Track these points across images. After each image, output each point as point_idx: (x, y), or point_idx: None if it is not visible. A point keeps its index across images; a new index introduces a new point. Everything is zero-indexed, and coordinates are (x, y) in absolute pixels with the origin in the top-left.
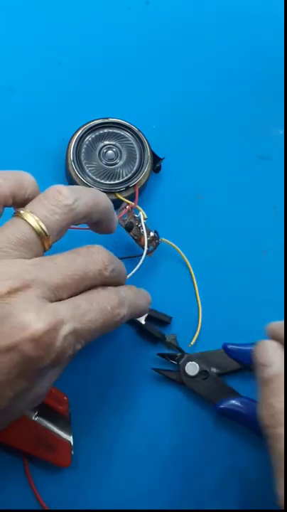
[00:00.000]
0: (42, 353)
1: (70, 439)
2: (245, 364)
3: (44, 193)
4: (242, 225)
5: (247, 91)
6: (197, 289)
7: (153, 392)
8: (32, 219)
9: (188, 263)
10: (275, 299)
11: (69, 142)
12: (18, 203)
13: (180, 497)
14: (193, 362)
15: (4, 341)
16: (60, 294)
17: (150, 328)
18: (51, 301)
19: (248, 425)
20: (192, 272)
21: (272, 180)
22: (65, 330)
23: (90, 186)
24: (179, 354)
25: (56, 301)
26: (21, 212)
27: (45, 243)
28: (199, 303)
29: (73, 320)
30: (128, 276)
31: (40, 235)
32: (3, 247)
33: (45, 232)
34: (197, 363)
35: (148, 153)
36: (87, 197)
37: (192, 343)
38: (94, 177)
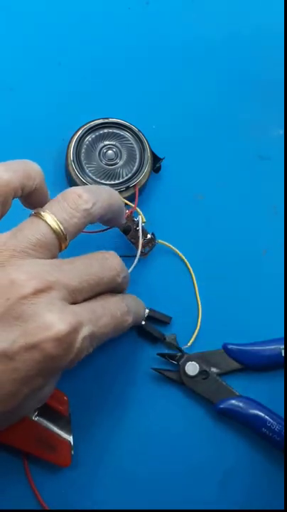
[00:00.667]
0: (63, 353)
1: (70, 438)
2: (245, 364)
3: (63, 195)
4: (242, 225)
5: (247, 91)
6: (197, 289)
7: (153, 392)
8: (52, 221)
9: (187, 263)
10: (275, 299)
11: (70, 142)
12: (27, 193)
13: (180, 497)
14: (193, 362)
15: (28, 339)
16: (76, 297)
17: (150, 328)
18: (69, 303)
19: (248, 425)
20: (192, 272)
21: (272, 180)
22: (84, 332)
23: None
24: (179, 354)
25: (72, 303)
26: (42, 213)
27: (62, 244)
28: (199, 303)
29: (90, 323)
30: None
31: (59, 237)
32: (24, 247)
33: (64, 235)
34: (197, 363)
35: (148, 153)
36: (103, 199)
37: (189, 343)
38: (94, 177)
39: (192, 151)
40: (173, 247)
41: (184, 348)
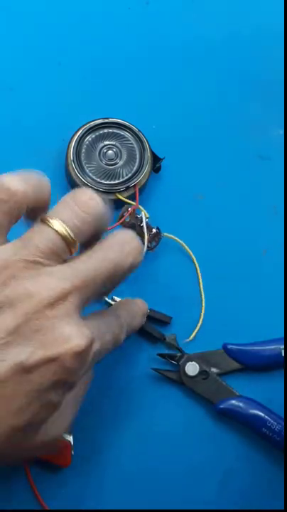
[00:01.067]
0: (79, 367)
1: (70, 438)
2: (245, 364)
3: (73, 196)
4: (242, 225)
5: (247, 91)
6: (201, 284)
7: (153, 392)
8: (61, 228)
9: (193, 258)
10: (275, 299)
11: (70, 142)
12: (40, 209)
13: (180, 497)
14: (193, 362)
15: (48, 352)
16: (92, 298)
17: (150, 328)
18: (83, 309)
19: (248, 425)
20: (198, 267)
21: (272, 180)
22: (95, 347)
23: (90, 186)
24: (179, 354)
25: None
26: (50, 220)
27: (72, 249)
28: (203, 297)
29: (98, 339)
30: None
31: (68, 243)
32: (35, 257)
33: (74, 241)
34: (197, 363)
35: (148, 153)
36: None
37: (191, 337)
38: (94, 177)
39: (192, 151)
40: (179, 240)
41: (184, 342)
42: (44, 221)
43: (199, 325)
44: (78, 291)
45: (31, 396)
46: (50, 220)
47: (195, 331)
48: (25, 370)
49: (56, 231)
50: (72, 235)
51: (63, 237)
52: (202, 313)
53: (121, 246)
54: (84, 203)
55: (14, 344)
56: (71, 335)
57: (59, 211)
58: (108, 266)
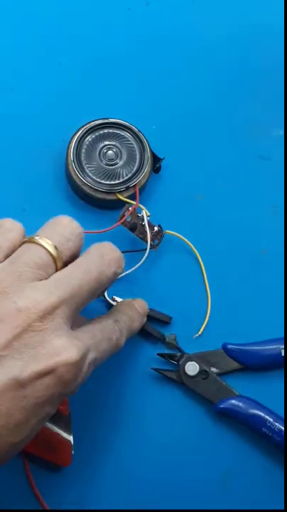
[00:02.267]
0: (73, 378)
1: (71, 438)
2: (245, 364)
3: (56, 220)
4: (242, 225)
5: (247, 91)
6: (207, 282)
7: (153, 392)
8: (47, 244)
9: (198, 255)
10: (275, 299)
11: (70, 142)
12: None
13: (180, 497)
14: (193, 362)
15: (40, 366)
16: (79, 308)
17: (150, 328)
18: (72, 321)
19: (248, 425)
20: (202, 265)
21: (272, 180)
22: (90, 358)
23: (90, 186)
24: (179, 354)
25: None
26: (36, 238)
27: (59, 264)
28: (209, 295)
29: (94, 348)
30: (131, 270)
31: (54, 259)
32: (23, 271)
33: (60, 257)
34: (197, 362)
35: (148, 154)
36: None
37: (200, 332)
38: (94, 177)
39: (192, 151)
40: (183, 237)
41: (194, 337)
42: (30, 240)
43: (206, 320)
44: (65, 304)
45: (28, 412)
46: (36, 238)
47: (203, 327)
48: (19, 384)
49: (42, 246)
50: (57, 251)
51: (49, 252)
52: (209, 309)
53: (100, 257)
54: (66, 225)
55: (7, 359)
56: (62, 347)
57: (43, 231)
58: (91, 277)
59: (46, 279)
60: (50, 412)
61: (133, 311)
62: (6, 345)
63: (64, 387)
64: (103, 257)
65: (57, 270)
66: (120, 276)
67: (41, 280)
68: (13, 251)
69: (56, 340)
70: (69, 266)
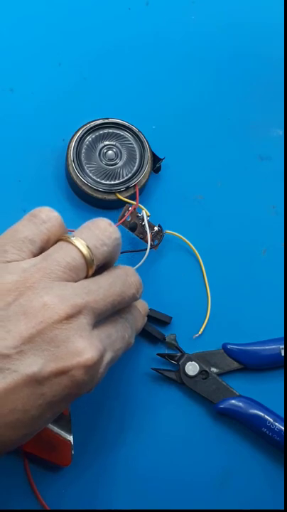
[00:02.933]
0: (89, 380)
1: (71, 438)
2: (245, 364)
3: (94, 222)
4: (242, 225)
5: (247, 91)
6: (207, 281)
7: (153, 392)
8: (82, 246)
9: (198, 255)
10: (274, 298)
11: (70, 142)
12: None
13: (180, 497)
14: (193, 362)
15: (59, 365)
16: (100, 318)
17: (150, 328)
18: (94, 326)
19: (248, 425)
20: (202, 265)
21: (272, 180)
22: (107, 358)
23: (90, 186)
24: (179, 354)
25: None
26: (72, 238)
27: (90, 270)
28: (209, 294)
29: (110, 349)
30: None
31: (87, 262)
32: (54, 269)
33: (92, 261)
34: (197, 363)
35: (148, 154)
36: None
37: (200, 332)
38: (94, 177)
39: (192, 151)
40: (182, 237)
41: (194, 337)
42: (65, 240)
43: (206, 320)
44: (90, 309)
45: (43, 409)
46: (72, 238)
47: (203, 327)
48: (37, 382)
49: (77, 248)
50: (91, 254)
51: (83, 255)
52: (209, 309)
53: (125, 277)
54: (104, 228)
55: (28, 354)
56: (84, 348)
57: (80, 232)
58: (115, 291)
59: (75, 281)
60: (65, 408)
61: (136, 310)
62: (29, 340)
63: (80, 387)
64: (126, 278)
65: (87, 274)
66: None
67: (70, 282)
68: (47, 243)
69: (79, 341)
70: (97, 277)
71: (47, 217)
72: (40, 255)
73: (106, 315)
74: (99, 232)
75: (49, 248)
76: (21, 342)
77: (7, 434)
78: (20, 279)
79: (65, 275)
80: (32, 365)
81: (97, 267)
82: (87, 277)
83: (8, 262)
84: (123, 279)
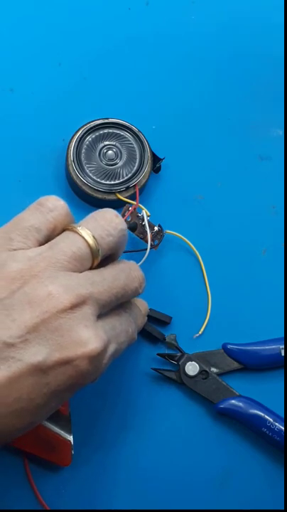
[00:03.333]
0: (93, 370)
1: (71, 438)
2: (245, 364)
3: (100, 213)
4: (242, 225)
5: (247, 91)
6: (207, 281)
7: (153, 392)
8: (88, 236)
9: (198, 255)
10: (275, 299)
11: (70, 142)
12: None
13: (180, 497)
14: (193, 362)
15: (64, 354)
16: (103, 310)
17: (150, 328)
18: (98, 318)
19: (248, 425)
20: (203, 265)
21: (272, 180)
22: (111, 350)
23: (90, 186)
24: (179, 354)
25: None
26: (78, 228)
27: (95, 260)
28: (209, 294)
29: (114, 340)
30: None
31: (93, 253)
32: (59, 259)
33: (98, 251)
34: (197, 363)
35: (148, 154)
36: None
37: (200, 331)
38: (94, 177)
39: (192, 151)
40: (182, 237)
41: (194, 337)
42: (71, 229)
43: (206, 320)
44: (94, 300)
45: (48, 397)
46: (78, 228)
47: (203, 326)
48: (42, 371)
49: (83, 237)
50: (97, 244)
51: (89, 245)
52: (209, 309)
53: (129, 270)
54: (110, 219)
55: (33, 343)
56: (89, 338)
57: (86, 222)
58: (119, 284)
59: (80, 272)
60: (69, 397)
61: (136, 308)
62: (33, 329)
63: (84, 377)
64: (130, 272)
65: (93, 264)
66: None
67: (75, 272)
68: (53, 231)
69: (83, 331)
70: (101, 269)
71: (53, 205)
72: (46, 244)
73: (110, 307)
74: (105, 223)
75: (55, 237)
76: (26, 331)
77: (12, 422)
78: (25, 267)
79: (70, 265)
80: (36, 354)
81: (102, 257)
82: (91, 268)
83: (14, 250)
84: (127, 272)
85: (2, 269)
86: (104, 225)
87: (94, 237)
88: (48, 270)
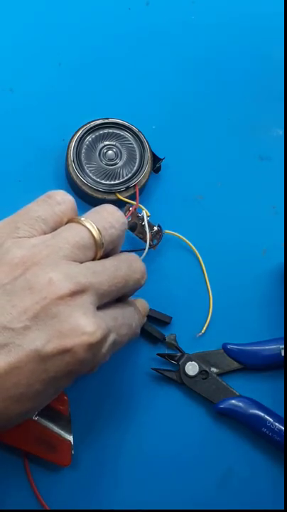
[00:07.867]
0: (92, 358)
1: (71, 438)
2: (245, 364)
3: (102, 207)
4: (242, 225)
5: (247, 91)
6: (207, 280)
7: (153, 392)
8: (92, 227)
9: (198, 254)
10: (275, 299)
11: (70, 142)
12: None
13: (180, 497)
14: (193, 362)
15: (63, 341)
16: (104, 300)
17: (150, 328)
18: (99, 308)
19: (248, 425)
20: (203, 264)
21: (272, 180)
22: (110, 340)
23: (90, 186)
24: (179, 354)
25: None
26: (82, 219)
27: (99, 252)
28: (210, 293)
29: (114, 331)
30: None
31: (96, 244)
32: (61, 247)
33: (101, 242)
34: (197, 363)
35: (148, 154)
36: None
37: (203, 330)
38: (94, 177)
39: (192, 151)
40: (182, 237)
41: (197, 336)
42: (75, 221)
43: (208, 319)
44: (94, 290)
45: (47, 384)
46: (82, 219)
47: (206, 325)
48: (40, 358)
49: (87, 228)
50: (100, 235)
51: (92, 235)
52: (210, 309)
53: (130, 262)
54: (112, 212)
55: (32, 329)
56: (86, 326)
57: (89, 215)
58: (120, 274)
59: (82, 262)
60: (68, 384)
61: (137, 308)
62: (34, 315)
63: (82, 365)
64: (131, 263)
65: (96, 255)
66: None
67: (76, 261)
68: (59, 224)
69: (82, 319)
70: (102, 260)
71: (62, 199)
72: (50, 233)
73: (111, 297)
74: (108, 215)
75: None
76: (26, 317)
77: (12, 407)
78: (28, 254)
79: (73, 254)
80: (36, 340)
81: (106, 250)
82: (94, 260)
83: (20, 238)
84: (128, 263)
85: (6, 255)
86: (106, 217)
87: (97, 228)
88: (50, 258)
